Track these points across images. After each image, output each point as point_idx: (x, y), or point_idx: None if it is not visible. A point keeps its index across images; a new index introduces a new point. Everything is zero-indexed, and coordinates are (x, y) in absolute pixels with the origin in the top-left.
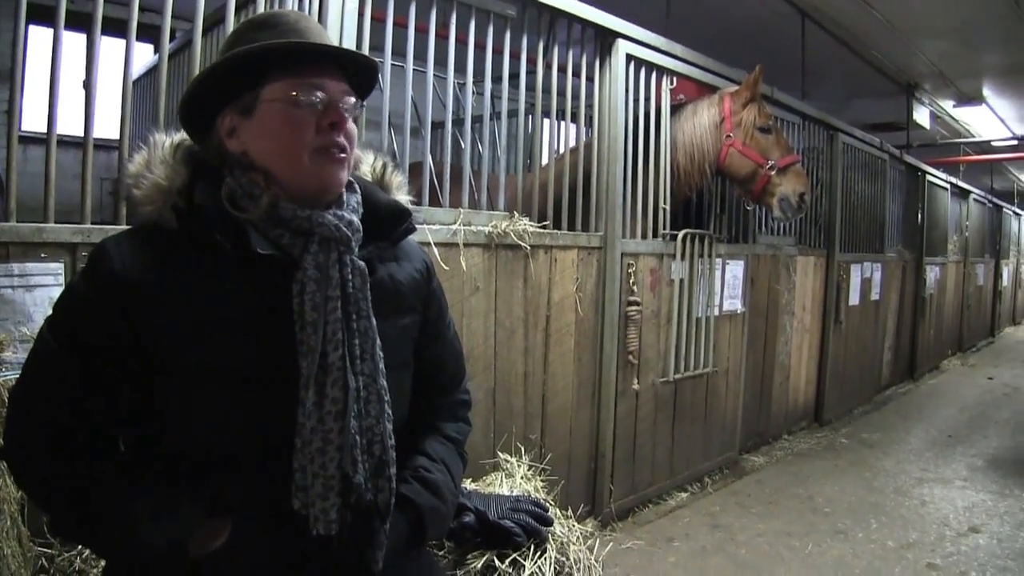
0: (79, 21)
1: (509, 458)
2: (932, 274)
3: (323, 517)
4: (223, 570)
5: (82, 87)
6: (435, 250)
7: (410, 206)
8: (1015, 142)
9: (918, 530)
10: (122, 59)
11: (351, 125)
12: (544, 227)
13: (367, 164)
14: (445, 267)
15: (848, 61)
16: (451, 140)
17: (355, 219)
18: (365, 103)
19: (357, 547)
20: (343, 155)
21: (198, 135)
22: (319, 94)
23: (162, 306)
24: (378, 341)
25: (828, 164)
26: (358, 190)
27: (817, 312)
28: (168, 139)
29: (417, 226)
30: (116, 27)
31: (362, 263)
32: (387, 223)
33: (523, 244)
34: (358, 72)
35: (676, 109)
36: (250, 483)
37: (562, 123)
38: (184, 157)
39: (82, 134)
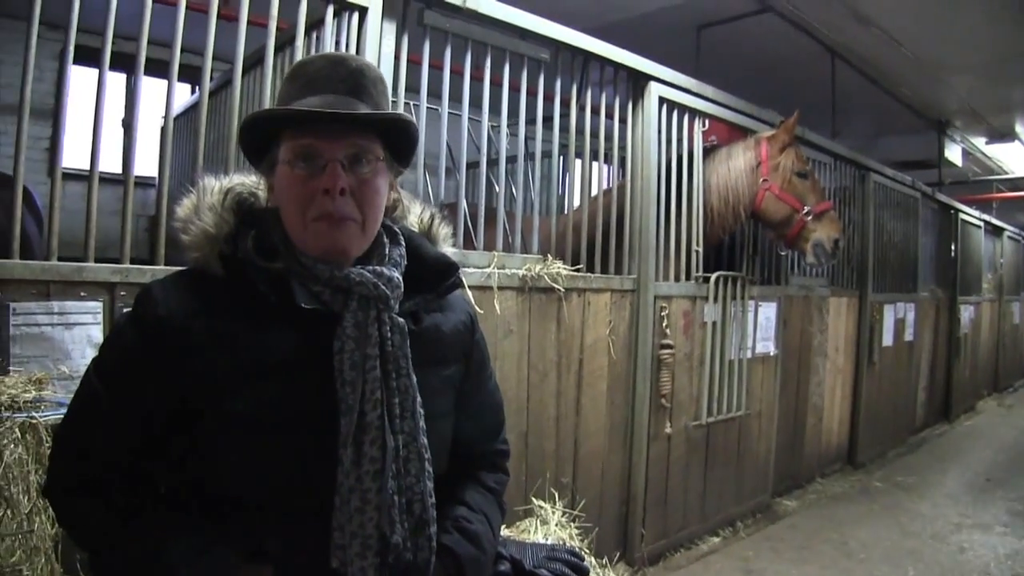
0: (120, 62)
1: (543, 504)
2: (967, 313)
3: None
4: None
5: (121, 125)
6: (469, 293)
7: (454, 258)
8: None
9: None
10: (158, 99)
11: (371, 182)
12: (577, 270)
13: (414, 215)
14: (479, 310)
15: (878, 98)
16: (485, 182)
17: (396, 275)
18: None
19: None
20: (346, 219)
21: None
22: (315, 159)
23: (206, 353)
24: (419, 398)
25: (860, 204)
26: (402, 242)
27: (850, 353)
28: (217, 183)
29: (461, 281)
30: (155, 68)
31: (401, 320)
32: (433, 276)
33: (557, 287)
34: (387, 128)
35: (709, 152)
36: (289, 536)
37: (595, 165)
38: (232, 204)
39: (120, 171)
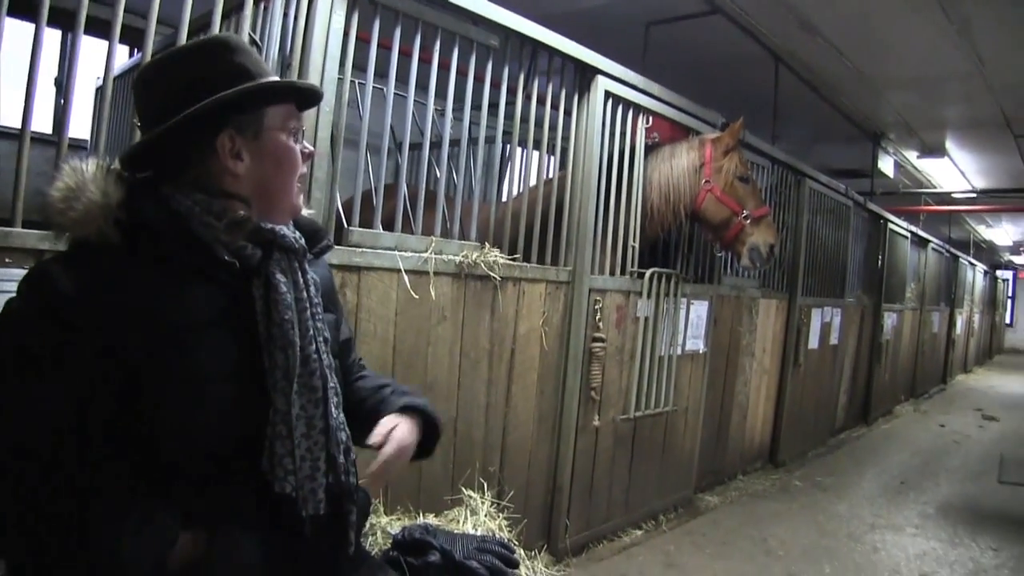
0: (57, 17)
1: (473, 494)
2: (890, 320)
3: (312, 498)
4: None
5: (54, 84)
6: (405, 277)
7: (393, 241)
8: (974, 195)
9: None
10: (94, 59)
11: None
12: (514, 259)
13: None
14: (414, 295)
15: (817, 107)
16: (427, 165)
17: (297, 232)
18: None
19: (333, 528)
20: None
21: (180, 152)
22: (302, 128)
23: (127, 323)
24: (328, 338)
25: (794, 208)
26: None
27: (777, 354)
28: (88, 163)
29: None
30: (95, 27)
31: (312, 272)
32: (310, 237)
33: (493, 275)
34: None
35: (652, 149)
36: (237, 478)
37: (537, 154)
38: (115, 178)
39: (52, 132)
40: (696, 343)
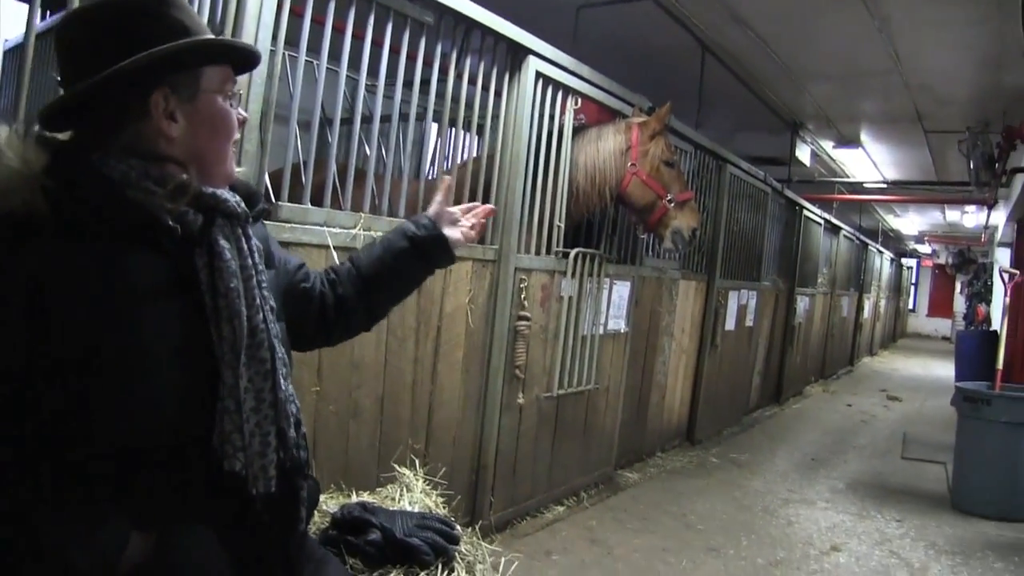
0: None
1: (405, 471)
2: (802, 304)
3: (263, 475)
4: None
5: None
6: (334, 254)
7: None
8: (884, 185)
9: (785, 549)
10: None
11: None
12: None
13: None
14: None
15: (741, 95)
16: (357, 141)
17: (235, 196)
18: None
19: (285, 506)
20: None
21: (108, 112)
22: (239, 90)
23: (61, 299)
24: (274, 306)
25: (715, 193)
26: None
27: (695, 335)
28: (5, 128)
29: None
30: None
31: (254, 238)
32: (245, 201)
33: None
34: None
35: (579, 131)
36: (186, 458)
37: (467, 133)
38: (36, 142)
39: None
40: (618, 323)
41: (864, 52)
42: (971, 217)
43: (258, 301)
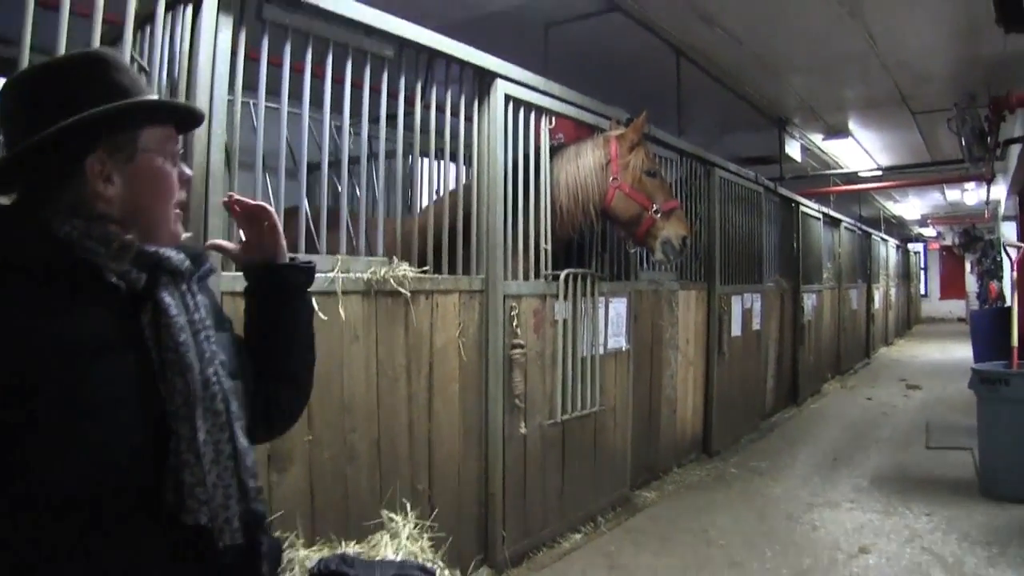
0: None
1: (394, 517)
2: (809, 301)
3: (228, 528)
4: None
5: None
6: (312, 300)
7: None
8: (879, 172)
9: (811, 556)
10: None
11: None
12: (424, 272)
13: None
14: (323, 316)
15: (721, 96)
16: (327, 183)
17: (182, 254)
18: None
19: (246, 561)
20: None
21: (47, 173)
22: (179, 151)
23: (9, 349)
24: (225, 361)
25: (706, 199)
26: None
27: (700, 344)
28: None
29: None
30: None
31: (201, 295)
32: (193, 260)
33: (403, 290)
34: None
35: (558, 149)
36: (137, 513)
37: (441, 164)
38: None
39: None
40: (618, 341)
41: (838, 37)
42: (972, 195)
43: (208, 355)
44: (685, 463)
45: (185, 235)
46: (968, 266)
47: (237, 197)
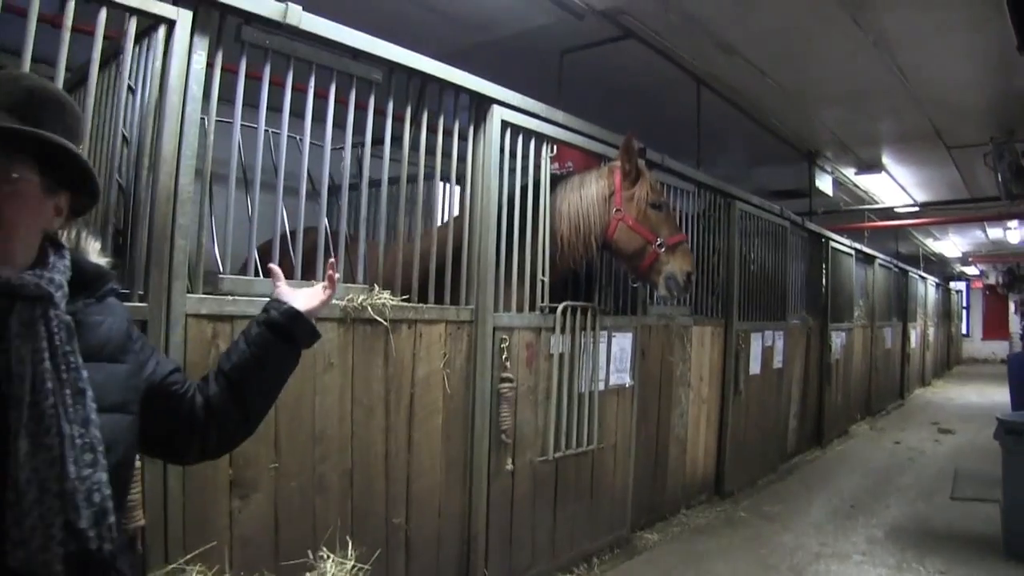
0: None
1: (327, 556)
2: (838, 340)
3: (45, 571)
4: None
5: None
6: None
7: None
8: (916, 208)
9: None
10: None
11: (8, 200)
12: (406, 300)
13: (67, 233)
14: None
15: (748, 128)
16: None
17: (57, 277)
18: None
19: None
20: None
21: None
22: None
23: None
24: (90, 392)
25: (725, 232)
26: (66, 255)
27: (715, 382)
28: None
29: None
30: None
31: (67, 317)
32: (92, 282)
33: (382, 320)
34: (45, 151)
35: (561, 179)
36: None
37: (433, 188)
38: None
39: None
40: (621, 377)
41: (865, 70)
42: (1015, 233)
43: (49, 385)
44: (695, 504)
45: (100, 259)
46: (1012, 306)
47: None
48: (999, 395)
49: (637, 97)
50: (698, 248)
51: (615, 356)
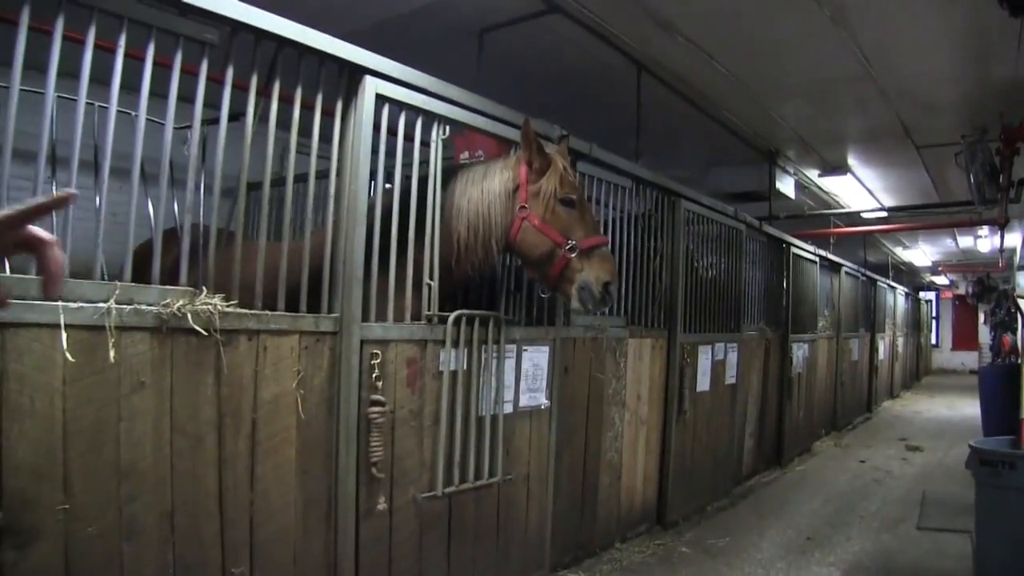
0: None
1: None
2: (800, 352)
3: None
4: None
5: None
6: (63, 337)
7: None
8: (884, 213)
9: None
10: None
11: None
12: (233, 305)
13: None
14: (72, 358)
15: (703, 125)
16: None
17: None
18: None
19: None
20: None
21: None
22: None
23: None
24: None
25: (669, 234)
26: None
27: (657, 401)
28: None
29: None
30: None
31: None
32: None
33: (208, 331)
34: None
35: (463, 169)
36: None
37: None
38: None
39: None
40: (535, 397)
41: (824, 53)
42: (985, 241)
43: None
44: (632, 537)
45: None
46: (982, 317)
47: None
48: (968, 407)
49: (572, 84)
50: (636, 252)
51: (527, 373)
